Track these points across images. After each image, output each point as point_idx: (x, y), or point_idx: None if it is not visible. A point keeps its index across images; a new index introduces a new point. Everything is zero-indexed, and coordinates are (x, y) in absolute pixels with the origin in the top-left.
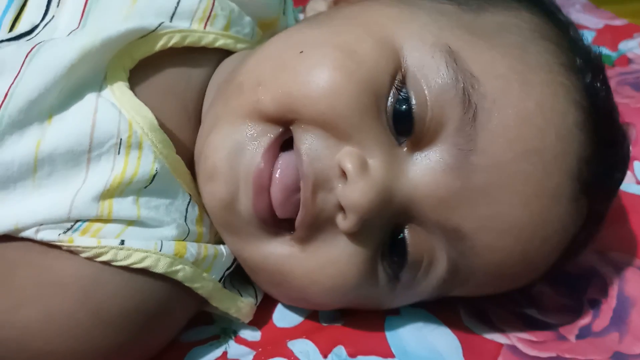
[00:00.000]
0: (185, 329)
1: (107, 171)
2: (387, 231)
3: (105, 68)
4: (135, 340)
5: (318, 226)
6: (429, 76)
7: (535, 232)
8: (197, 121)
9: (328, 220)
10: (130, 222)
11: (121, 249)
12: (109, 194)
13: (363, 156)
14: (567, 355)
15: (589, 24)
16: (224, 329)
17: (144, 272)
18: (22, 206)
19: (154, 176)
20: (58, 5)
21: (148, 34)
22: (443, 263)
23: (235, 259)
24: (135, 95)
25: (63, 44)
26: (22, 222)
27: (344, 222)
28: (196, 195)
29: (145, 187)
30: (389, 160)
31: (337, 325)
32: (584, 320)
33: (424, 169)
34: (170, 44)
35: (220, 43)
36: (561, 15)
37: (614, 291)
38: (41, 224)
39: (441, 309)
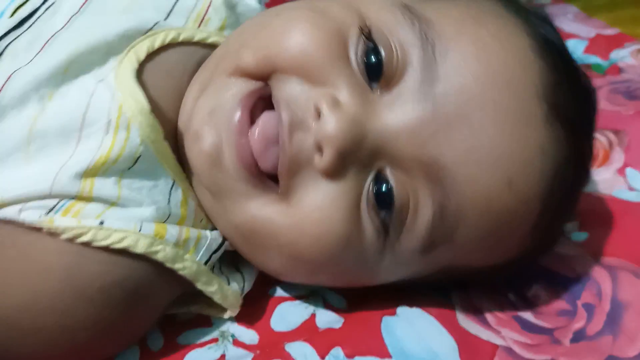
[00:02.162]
0: (183, 331)
1: (93, 149)
2: (366, 177)
3: (115, 57)
4: (119, 317)
5: (299, 172)
6: (390, 27)
7: (514, 155)
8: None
9: (308, 165)
10: (112, 203)
11: (101, 229)
12: (92, 172)
13: (336, 95)
14: (562, 359)
15: (581, 33)
16: (222, 332)
17: (124, 252)
18: (8, 179)
19: (138, 158)
20: None
21: (146, 32)
22: (429, 205)
23: (223, 241)
24: (138, 78)
25: (72, 35)
26: (7, 195)
27: (321, 159)
28: (180, 180)
29: (129, 168)
30: (361, 99)
31: (334, 328)
32: (578, 324)
33: (394, 104)
34: (167, 40)
35: (213, 39)
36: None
37: (607, 295)
38: (23, 200)
39: (438, 309)
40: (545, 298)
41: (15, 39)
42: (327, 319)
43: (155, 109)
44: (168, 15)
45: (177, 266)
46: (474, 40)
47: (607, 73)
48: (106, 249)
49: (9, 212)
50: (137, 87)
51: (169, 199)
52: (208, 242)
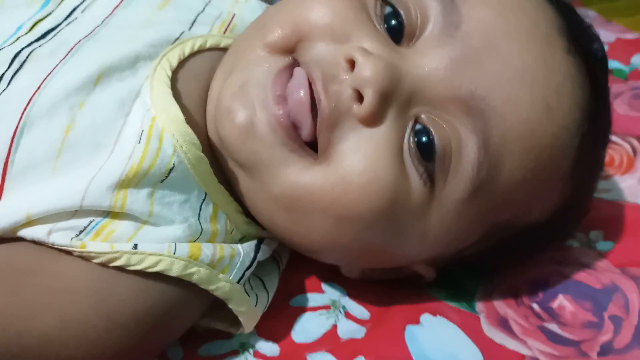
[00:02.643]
0: (203, 343)
1: (125, 160)
2: (405, 124)
3: (148, 67)
4: (150, 340)
5: (338, 126)
6: None
7: (547, 78)
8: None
9: (346, 116)
10: (143, 222)
11: (134, 253)
12: (124, 183)
13: (367, 47)
14: None
15: (601, 37)
16: (242, 343)
17: (158, 275)
18: (36, 193)
19: (171, 170)
20: (83, 12)
21: (174, 42)
22: (472, 141)
23: (254, 257)
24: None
25: (100, 45)
26: (35, 210)
27: (362, 105)
28: (212, 191)
29: (162, 180)
30: (390, 49)
31: (356, 338)
32: (605, 337)
33: (423, 50)
34: (196, 48)
35: None
36: None
37: (635, 308)
38: (52, 215)
39: (462, 317)
40: (571, 309)
41: (38, 48)
42: (349, 329)
43: (188, 117)
44: (192, 25)
45: (212, 287)
46: None
47: (628, 78)
48: (140, 273)
49: (38, 233)
50: (170, 97)
51: (199, 213)
52: (241, 259)
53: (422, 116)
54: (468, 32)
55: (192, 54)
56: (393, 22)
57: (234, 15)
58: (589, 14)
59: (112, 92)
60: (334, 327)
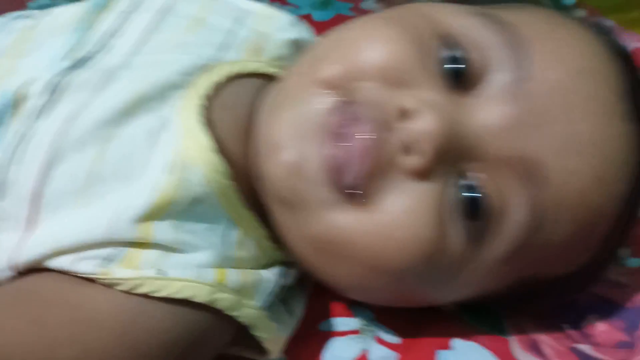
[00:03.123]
0: None
1: (150, 190)
2: (453, 180)
3: (179, 96)
4: None
5: (384, 175)
6: (468, 31)
7: (603, 148)
8: (247, 136)
9: (393, 167)
10: (169, 249)
11: (159, 279)
12: (149, 215)
13: (423, 96)
14: None
15: None
16: None
17: (184, 302)
18: (64, 225)
19: (197, 199)
20: (115, 36)
21: (204, 68)
22: (522, 206)
23: (281, 282)
24: (200, 115)
25: (132, 74)
26: (62, 242)
27: (414, 159)
28: (239, 219)
29: (187, 210)
30: (449, 99)
31: None
32: (639, 357)
33: (484, 104)
34: (226, 74)
35: (270, 69)
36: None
37: None
38: (79, 247)
39: (492, 341)
40: (602, 329)
41: (72, 79)
42: (380, 354)
43: (221, 145)
44: (222, 48)
45: (237, 314)
46: (556, 39)
47: None
48: (165, 300)
49: (63, 262)
50: (198, 125)
51: (226, 240)
52: (267, 284)
53: (472, 173)
54: (533, 93)
55: (224, 81)
56: (450, 65)
57: (263, 35)
58: (607, 24)
59: (141, 123)
60: (365, 352)
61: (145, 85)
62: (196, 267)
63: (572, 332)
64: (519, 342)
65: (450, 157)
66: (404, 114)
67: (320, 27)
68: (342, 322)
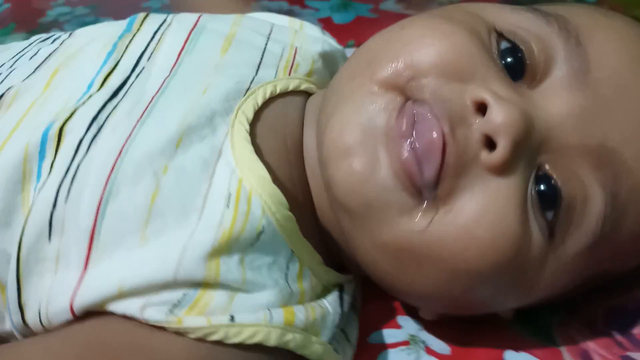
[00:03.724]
0: None
1: (215, 225)
2: (530, 174)
3: (226, 123)
4: None
5: (463, 173)
6: (523, 26)
7: None
8: (295, 156)
9: (472, 163)
10: (236, 289)
11: (232, 326)
12: (216, 251)
13: (494, 88)
14: None
15: None
16: None
17: (256, 346)
18: (126, 263)
19: (260, 233)
20: (149, 59)
21: (246, 91)
22: (599, 195)
23: (342, 313)
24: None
25: (174, 102)
26: (127, 283)
27: (494, 153)
28: (298, 249)
29: (252, 244)
30: (518, 92)
31: None
32: None
33: (551, 96)
34: (267, 96)
35: (305, 86)
36: None
37: None
38: (145, 289)
39: (544, 352)
40: None
41: (113, 109)
42: None
43: (272, 174)
44: (258, 68)
45: (307, 352)
46: (612, 28)
47: None
48: (237, 346)
49: (130, 309)
50: (253, 154)
51: (286, 274)
52: (331, 317)
53: (547, 165)
54: (598, 80)
55: (264, 103)
56: (511, 59)
57: (296, 50)
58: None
59: (194, 153)
60: None
61: (192, 114)
62: (265, 308)
63: (623, 340)
64: (569, 351)
65: (526, 150)
66: (479, 108)
67: (341, 30)
68: (390, 334)
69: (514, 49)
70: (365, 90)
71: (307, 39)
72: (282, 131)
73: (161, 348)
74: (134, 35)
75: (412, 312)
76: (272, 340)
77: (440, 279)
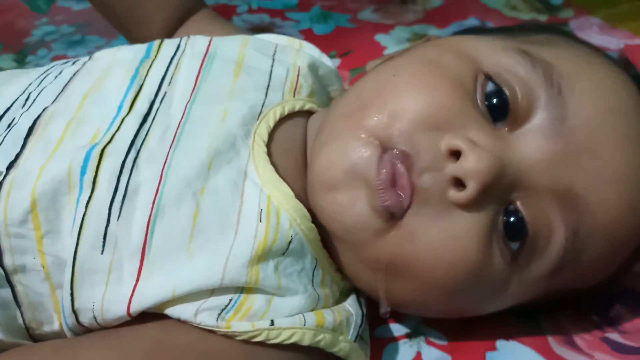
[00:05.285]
0: None
1: (251, 237)
2: (499, 208)
3: (246, 145)
4: None
5: (430, 205)
6: (509, 68)
7: (636, 180)
8: (305, 172)
9: (439, 198)
10: (272, 294)
11: (272, 329)
12: (255, 259)
13: (470, 135)
14: None
15: (610, 45)
16: None
17: (292, 346)
18: (176, 274)
19: (290, 242)
20: (169, 84)
21: (258, 115)
22: (562, 230)
23: (363, 314)
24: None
25: (198, 128)
26: (180, 288)
27: (462, 192)
28: (321, 258)
29: (283, 253)
30: (494, 137)
31: None
32: None
33: (527, 141)
34: (277, 118)
35: (308, 106)
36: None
37: None
38: (196, 293)
39: (531, 339)
40: (629, 317)
41: (146, 135)
42: (433, 355)
43: (293, 191)
44: (267, 91)
45: (335, 349)
46: (593, 79)
47: None
48: (276, 346)
49: (185, 313)
50: (275, 174)
51: (312, 280)
52: (355, 319)
53: (518, 202)
54: (573, 129)
55: (275, 125)
56: (495, 100)
57: (299, 70)
58: (595, 22)
59: (224, 175)
60: (419, 353)
61: (217, 140)
62: (298, 312)
63: (600, 322)
64: (554, 336)
65: (496, 189)
66: (453, 154)
67: (323, 40)
68: (393, 328)
69: (500, 92)
70: (353, 135)
71: (307, 58)
72: (292, 150)
73: (214, 348)
74: (153, 61)
75: None
76: (306, 340)
77: (414, 290)
